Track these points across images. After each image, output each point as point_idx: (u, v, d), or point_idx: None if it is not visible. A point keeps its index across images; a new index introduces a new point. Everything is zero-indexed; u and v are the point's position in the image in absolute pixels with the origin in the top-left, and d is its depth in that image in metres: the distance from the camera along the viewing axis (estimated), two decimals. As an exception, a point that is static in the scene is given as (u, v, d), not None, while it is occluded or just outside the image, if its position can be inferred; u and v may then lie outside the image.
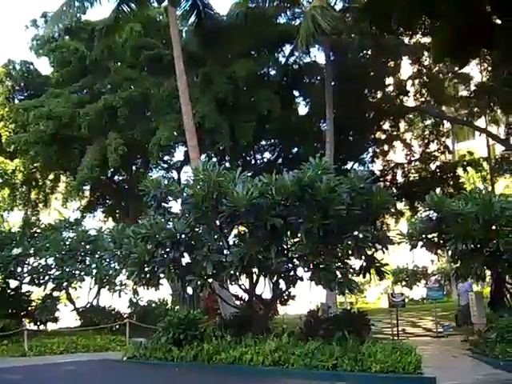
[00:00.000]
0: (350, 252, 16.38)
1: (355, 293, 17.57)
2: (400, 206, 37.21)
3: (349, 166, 34.22)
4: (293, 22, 33.54)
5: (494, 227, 16.72)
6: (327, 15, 25.18)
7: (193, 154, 25.22)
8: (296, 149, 36.19)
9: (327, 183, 15.26)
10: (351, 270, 16.51)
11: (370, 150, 38.77)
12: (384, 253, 16.90)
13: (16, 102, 35.05)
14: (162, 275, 16.92)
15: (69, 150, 31.16)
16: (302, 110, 36.59)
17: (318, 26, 24.47)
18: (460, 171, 39.00)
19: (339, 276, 15.90)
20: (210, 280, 17.01)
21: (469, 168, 39.60)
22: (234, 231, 17.70)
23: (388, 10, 23.16)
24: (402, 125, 39.17)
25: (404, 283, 37.26)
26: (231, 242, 17.10)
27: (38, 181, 38.72)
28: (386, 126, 38.48)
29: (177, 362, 16.27)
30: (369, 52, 34.29)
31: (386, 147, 39.32)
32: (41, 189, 39.59)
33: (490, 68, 32.59)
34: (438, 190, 31.33)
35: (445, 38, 22.51)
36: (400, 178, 38.64)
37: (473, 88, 35.06)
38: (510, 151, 35.45)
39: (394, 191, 35.27)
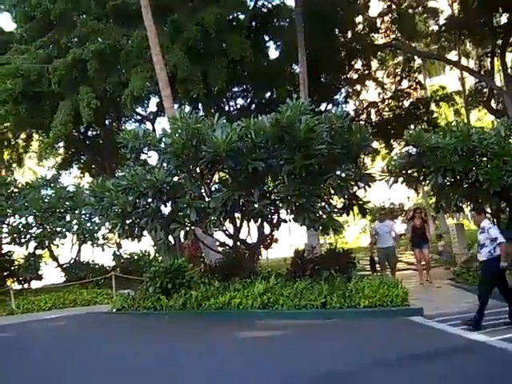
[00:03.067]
0: (332, 191, 16.47)
1: (339, 232, 17.69)
2: (375, 144, 37.33)
3: (323, 107, 34.09)
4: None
5: (472, 159, 16.82)
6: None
7: (167, 104, 24.92)
8: (269, 93, 35.99)
9: (306, 123, 15.22)
10: (335, 210, 16.64)
11: (343, 90, 38.66)
12: (366, 191, 17.01)
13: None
14: (144, 226, 16.88)
15: (40, 107, 30.51)
16: (273, 53, 36.29)
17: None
18: (433, 107, 39.16)
19: (323, 216, 16.02)
20: (193, 227, 17.07)
21: (442, 103, 39.72)
22: (215, 177, 17.69)
23: None
24: (374, 63, 39.01)
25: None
26: (213, 189, 17.08)
27: (10, 140, 38.16)
28: (358, 65, 38.35)
29: (166, 311, 16.41)
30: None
31: (358, 87, 39.25)
32: (13, 148, 39.05)
33: (459, 0, 32.32)
34: (412, 127, 31.59)
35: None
36: (374, 117, 38.66)
37: (443, 22, 34.90)
38: (482, 83, 35.55)
39: (370, 130, 35.29)
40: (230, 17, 32.42)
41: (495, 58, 32.43)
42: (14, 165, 40.26)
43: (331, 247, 20.25)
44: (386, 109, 38.64)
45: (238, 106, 36.90)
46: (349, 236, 49.05)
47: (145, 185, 15.97)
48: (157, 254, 26.79)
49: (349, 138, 16.19)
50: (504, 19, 30.82)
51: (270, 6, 34.92)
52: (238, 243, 17.82)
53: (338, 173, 16.04)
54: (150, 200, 16.50)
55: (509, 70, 31.82)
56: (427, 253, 18.83)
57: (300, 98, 17.28)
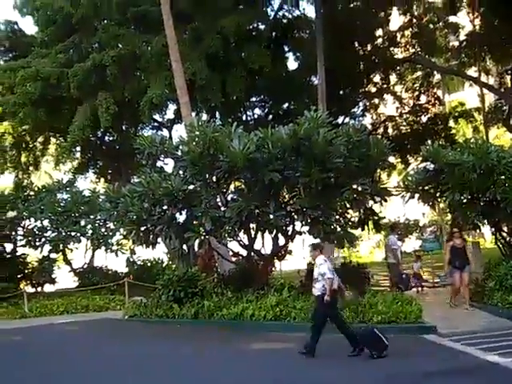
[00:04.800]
0: (348, 205, 16.41)
1: (354, 245, 17.61)
2: (392, 159, 37.13)
3: (340, 120, 33.97)
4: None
5: (490, 177, 16.69)
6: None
7: (184, 112, 24.98)
8: (286, 104, 35.93)
9: (324, 136, 15.19)
10: (349, 223, 16.58)
11: (361, 103, 38.55)
12: (382, 205, 16.94)
13: (1, 63, 34.49)
14: (159, 233, 16.86)
15: (58, 111, 30.71)
16: (292, 64, 36.26)
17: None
18: (452, 123, 38.96)
19: (338, 229, 15.96)
20: (208, 236, 17.04)
21: (460, 119, 39.50)
22: (231, 187, 17.66)
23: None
24: (393, 77, 38.83)
25: (397, 236, 37.41)
26: (229, 198, 17.05)
27: (28, 143, 38.30)
28: (377, 78, 38.18)
29: (178, 320, 16.40)
30: (358, 3, 33.79)
31: (376, 100, 39.11)
32: (31, 151, 39.20)
33: (480, 17, 32.19)
34: (429, 143, 31.38)
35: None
36: (391, 131, 38.48)
37: (463, 37, 34.77)
38: (501, 100, 35.34)
39: (387, 144, 35.17)
40: (251, 26, 32.50)
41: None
42: (31, 168, 40.35)
43: (345, 261, 20.17)
44: (404, 123, 38.43)
45: (256, 116, 36.84)
46: (363, 250, 48.83)
47: (160, 192, 15.96)
48: (170, 262, 26.78)
49: (366, 152, 16.14)
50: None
51: (290, 16, 34.90)
52: (252, 254, 17.75)
53: (355, 186, 16.02)
54: (165, 207, 16.50)
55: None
56: (467, 276, 16.80)
57: (318, 111, 17.20)
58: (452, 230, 17.37)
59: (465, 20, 35.21)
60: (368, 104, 38.84)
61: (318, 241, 14.80)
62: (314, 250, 11.71)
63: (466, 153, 16.96)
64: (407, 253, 32.83)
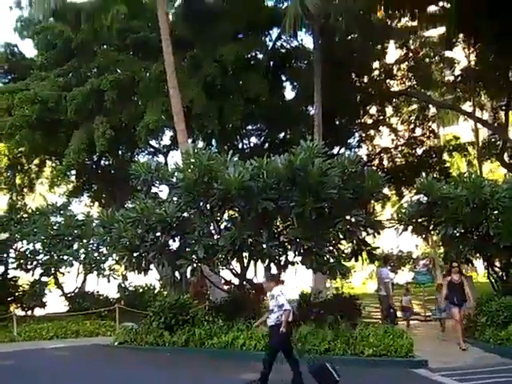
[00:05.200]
0: (341, 236, 16.43)
1: (346, 277, 17.61)
2: (386, 191, 37.14)
3: (336, 150, 34.09)
4: (280, 5, 33.40)
5: (483, 211, 16.77)
6: (316, -2, 25.09)
7: (181, 138, 25.03)
8: (283, 133, 36.10)
9: (319, 167, 15.27)
10: (343, 255, 16.58)
11: (357, 134, 38.70)
12: (375, 237, 16.97)
13: (0, 85, 34.62)
14: (152, 259, 16.84)
15: (55, 134, 30.79)
16: (290, 94, 36.44)
17: (306, 8, 24.34)
18: (446, 156, 39.18)
19: (331, 260, 15.96)
20: (200, 264, 17.00)
21: (454, 153, 39.74)
22: (225, 215, 17.66)
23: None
24: (389, 109, 39.06)
25: (389, 268, 37.44)
26: (222, 227, 17.06)
27: (24, 165, 38.27)
28: (373, 110, 38.43)
29: (168, 347, 16.30)
30: (356, 36, 34.09)
31: (372, 132, 39.25)
32: (26, 173, 39.19)
33: (475, 52, 32.51)
34: (423, 175, 31.54)
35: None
36: (386, 163, 38.62)
37: (458, 72, 35.07)
38: (495, 135, 35.56)
39: (382, 176, 35.31)
40: (249, 55, 32.78)
41: (510, 112, 32.46)
42: (26, 190, 40.30)
43: (337, 292, 20.14)
44: (399, 155, 38.58)
45: (252, 145, 36.93)
46: (356, 281, 48.73)
47: (154, 218, 15.98)
48: (162, 289, 26.66)
49: (361, 184, 16.21)
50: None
51: (288, 46, 35.16)
52: (244, 282, 17.72)
53: (348, 217, 16.03)
54: (158, 234, 16.49)
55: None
56: (463, 312, 16.59)
57: (313, 140, 17.31)
58: (450, 264, 17.22)
59: (460, 55, 35.53)
60: (364, 135, 38.96)
61: (309, 271, 14.80)
62: (270, 282, 11.75)
63: (460, 187, 17.08)
64: (400, 285, 32.86)
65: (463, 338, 15.49)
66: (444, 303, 17.12)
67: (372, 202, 18.69)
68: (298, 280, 28.45)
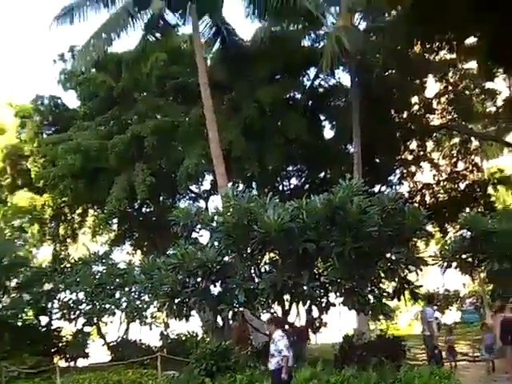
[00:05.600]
0: (382, 275, 16.14)
1: (390, 317, 17.22)
2: (429, 227, 36.48)
3: (377, 188, 33.75)
4: (317, 45, 33.51)
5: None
6: (351, 36, 25.25)
7: (221, 182, 25.13)
8: (323, 173, 35.94)
9: (358, 204, 15.10)
10: (385, 294, 16.25)
11: (398, 171, 38.28)
12: (418, 274, 16.61)
13: (44, 136, 35.42)
14: (193, 305, 16.74)
15: (97, 182, 31.17)
16: (328, 133, 36.36)
17: (343, 47, 24.46)
18: (491, 189, 38.43)
19: (372, 300, 15.65)
20: (242, 309, 16.84)
21: (499, 186, 38.98)
22: (266, 258, 17.51)
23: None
24: (430, 144, 38.68)
25: (436, 308, 36.64)
26: (263, 270, 16.90)
27: (67, 215, 38.83)
28: (413, 146, 38.05)
29: (210, 394, 16.03)
30: (393, 71, 34.01)
31: (413, 168, 38.83)
32: (69, 224, 39.69)
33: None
34: (467, 210, 30.98)
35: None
36: (429, 199, 38.04)
37: (500, 103, 34.61)
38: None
39: (423, 212, 34.82)
40: (287, 96, 32.93)
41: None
42: (69, 240, 40.75)
43: (381, 333, 19.68)
44: (441, 191, 37.98)
45: (292, 186, 36.86)
46: (401, 322, 47.74)
47: (195, 264, 15.93)
48: (205, 335, 26.43)
49: (401, 221, 15.94)
50: None
51: (326, 85, 35.20)
52: (287, 326, 17.44)
53: (389, 256, 15.75)
54: (199, 279, 16.40)
55: None
56: None
57: (352, 179, 17.15)
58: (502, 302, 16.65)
59: (501, 85, 35.09)
60: (405, 172, 38.54)
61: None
62: (271, 324, 11.61)
63: (504, 220, 16.69)
64: (447, 325, 32.15)
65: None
66: (498, 343, 16.49)
67: (414, 239, 18.29)
68: (342, 322, 28.06)
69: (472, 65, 33.99)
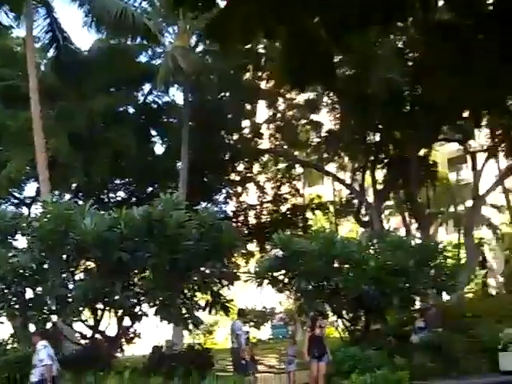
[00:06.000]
0: (196, 288, 16.61)
1: (200, 328, 17.75)
2: (251, 247, 37.71)
3: (202, 206, 34.23)
4: (154, 62, 33.81)
5: (335, 265, 17.53)
6: (187, 56, 25.85)
7: (44, 188, 24.49)
8: (150, 188, 36.05)
9: (177, 219, 15.48)
10: (197, 306, 16.72)
11: (224, 190, 39.25)
12: (229, 289, 17.25)
13: None
14: (1, 311, 16.29)
15: None
16: (159, 149, 36.62)
17: (178, 66, 24.97)
18: (309, 214, 40.50)
19: (184, 312, 16.06)
20: (53, 316, 16.61)
21: (317, 211, 41.18)
22: (82, 266, 17.41)
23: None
24: (256, 167, 39.97)
25: (252, 323, 37.86)
26: (77, 277, 16.81)
27: None
28: (241, 167, 39.17)
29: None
30: (227, 94, 34.95)
31: (239, 189, 39.94)
32: None
33: (338, 116, 34.06)
34: (287, 232, 32.37)
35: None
36: (252, 219, 39.36)
37: (324, 134, 36.51)
38: (353, 195, 37.20)
39: (246, 232, 36.05)
40: (120, 109, 32.84)
41: (367, 173, 34.17)
42: None
43: (190, 345, 20.09)
44: (264, 212, 39.49)
45: (119, 199, 36.61)
46: (219, 337, 48.48)
47: (6, 268, 15.51)
48: (15, 343, 25.45)
49: (218, 237, 16.51)
50: (377, 138, 32.71)
51: (160, 102, 35.50)
52: (98, 335, 17.40)
53: (203, 269, 16.26)
54: (9, 284, 15.98)
55: (378, 186, 33.56)
56: (324, 365, 16.85)
57: (173, 194, 17.56)
58: (314, 319, 17.53)
59: (325, 118, 37.01)
60: (231, 192, 39.59)
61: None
62: (35, 336, 11.74)
63: (314, 242, 17.81)
64: (261, 340, 33.30)
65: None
66: (307, 357, 17.21)
67: (233, 256, 18.99)
68: (160, 335, 28.11)
69: (301, 97, 35.75)
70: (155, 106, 35.48)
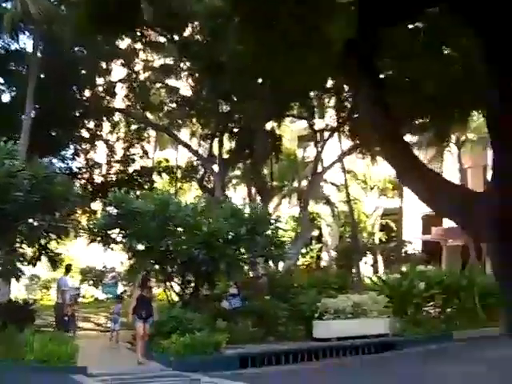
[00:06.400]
0: (22, 239, 16.26)
1: (19, 280, 17.40)
2: (97, 206, 37.01)
3: (47, 160, 33.25)
4: (4, 5, 32.05)
5: (168, 227, 17.70)
6: (39, 2, 24.78)
7: None
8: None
9: (7, 168, 15.04)
10: (21, 259, 16.38)
11: (72, 147, 38.18)
12: (58, 243, 17.03)
13: None
14: None
15: None
16: (6, 97, 34.95)
17: (28, 11, 23.93)
18: (157, 177, 40.50)
19: (5, 263, 15.73)
20: None
21: (164, 174, 41.36)
22: None
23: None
24: (107, 126, 39.21)
25: (92, 282, 37.59)
26: None
27: None
28: (91, 125, 38.24)
29: None
30: (81, 49, 33.83)
31: (88, 146, 39.03)
32: None
33: (193, 83, 34.06)
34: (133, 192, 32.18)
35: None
36: (99, 178, 38.72)
37: (177, 100, 36.37)
38: (198, 161, 37.59)
39: (91, 190, 35.45)
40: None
41: (216, 141, 34.58)
42: None
43: (11, 299, 19.65)
44: (112, 171, 39.00)
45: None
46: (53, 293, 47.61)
47: None
48: None
49: (49, 189, 16.18)
50: (229, 107, 33.05)
51: (8, 48, 33.78)
52: None
53: (31, 221, 15.92)
54: None
55: (225, 155, 34.07)
56: (148, 327, 16.56)
57: (8, 142, 16.94)
58: (143, 279, 17.45)
59: (182, 84, 36.88)
60: (79, 148, 38.58)
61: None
62: None
63: (150, 202, 17.87)
64: (98, 299, 33.15)
65: (142, 352, 15.68)
66: (132, 317, 17.11)
67: (75, 212, 18.67)
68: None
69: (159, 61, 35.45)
70: (3, 51, 33.76)
